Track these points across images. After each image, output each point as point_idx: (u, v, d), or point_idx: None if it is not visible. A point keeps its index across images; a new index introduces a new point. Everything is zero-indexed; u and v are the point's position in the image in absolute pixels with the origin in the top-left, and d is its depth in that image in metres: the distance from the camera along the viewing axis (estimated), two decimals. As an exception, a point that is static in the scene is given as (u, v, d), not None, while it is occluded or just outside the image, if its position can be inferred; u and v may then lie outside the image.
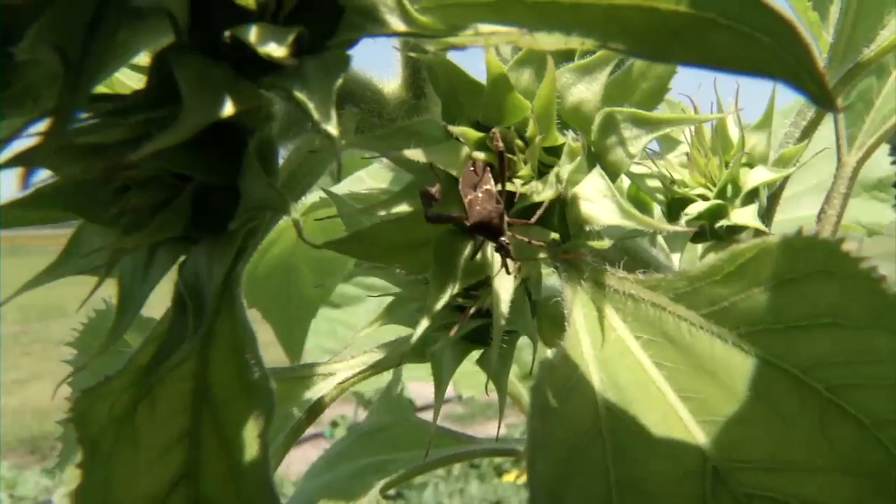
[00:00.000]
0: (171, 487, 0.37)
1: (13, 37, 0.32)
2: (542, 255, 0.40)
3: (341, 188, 0.78)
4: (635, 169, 0.59)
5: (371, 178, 0.86)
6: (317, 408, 0.54)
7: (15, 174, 0.35)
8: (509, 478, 3.94)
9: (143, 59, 0.37)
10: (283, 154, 0.45)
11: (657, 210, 0.61)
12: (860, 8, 0.54)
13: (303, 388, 0.55)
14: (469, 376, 1.12)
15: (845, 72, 0.55)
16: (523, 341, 0.62)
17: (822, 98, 0.27)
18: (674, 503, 0.35)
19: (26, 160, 0.33)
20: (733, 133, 0.58)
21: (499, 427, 0.56)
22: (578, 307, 0.39)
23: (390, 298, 0.57)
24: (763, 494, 0.34)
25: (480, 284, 0.50)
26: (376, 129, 0.45)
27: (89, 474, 0.35)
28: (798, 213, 0.85)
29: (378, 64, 0.49)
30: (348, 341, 0.69)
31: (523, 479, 3.81)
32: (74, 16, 0.33)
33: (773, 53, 0.28)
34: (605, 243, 0.40)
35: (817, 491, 0.33)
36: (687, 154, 0.59)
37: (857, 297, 0.32)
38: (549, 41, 0.31)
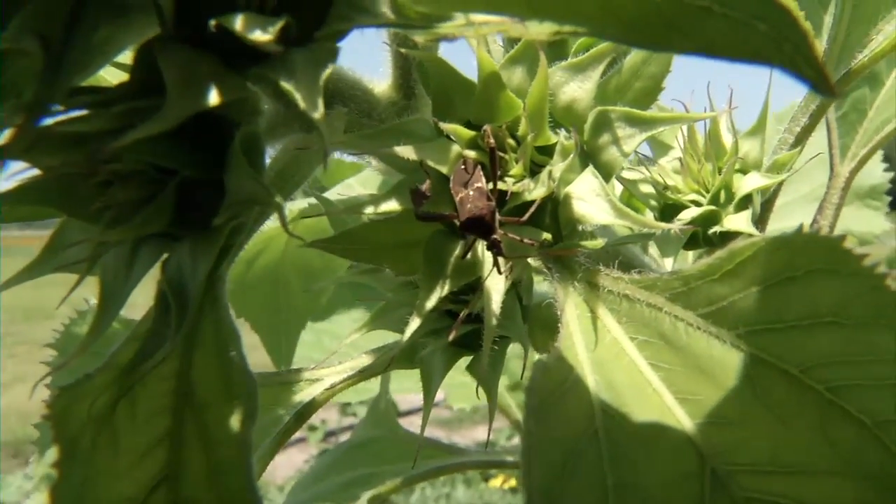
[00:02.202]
0: (150, 490, 0.35)
1: (-1, 27, 0.31)
2: (534, 255, 0.39)
3: (330, 196, 0.77)
4: (628, 174, 0.59)
5: (361, 185, 0.86)
6: (304, 413, 0.53)
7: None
8: (496, 483, 3.92)
9: (129, 58, 0.36)
10: (271, 154, 0.45)
11: (649, 216, 0.60)
12: (854, 13, 0.54)
13: (289, 394, 0.54)
14: (459, 388, 1.11)
15: (839, 77, 0.54)
16: (511, 351, 0.62)
17: (820, 84, 0.26)
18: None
19: (1, 152, 0.32)
20: (726, 139, 0.57)
21: (489, 435, 0.55)
22: (571, 308, 0.38)
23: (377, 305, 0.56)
24: (763, 498, 0.33)
25: (470, 289, 0.49)
26: (365, 130, 0.44)
27: (66, 475, 0.34)
28: (790, 222, 0.84)
29: (368, 66, 0.49)
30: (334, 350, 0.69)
31: (510, 483, 3.79)
32: (59, 7, 0.32)
33: (771, 40, 0.27)
34: (599, 243, 0.39)
35: (818, 494, 0.32)
36: (680, 160, 0.58)
37: (860, 295, 0.31)
38: (541, 31, 0.31)
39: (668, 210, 0.57)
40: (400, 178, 0.42)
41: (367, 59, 0.49)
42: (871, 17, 0.53)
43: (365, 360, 0.55)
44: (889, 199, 1.00)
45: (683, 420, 0.35)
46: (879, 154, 1.00)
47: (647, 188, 0.58)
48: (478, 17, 0.32)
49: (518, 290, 0.51)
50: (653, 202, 0.58)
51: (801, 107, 0.57)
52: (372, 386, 1.03)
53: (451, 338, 0.44)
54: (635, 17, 0.28)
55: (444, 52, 0.44)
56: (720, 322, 0.34)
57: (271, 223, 0.81)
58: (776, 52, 0.27)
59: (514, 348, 0.92)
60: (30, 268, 0.38)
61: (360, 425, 0.84)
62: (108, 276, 0.37)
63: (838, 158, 0.76)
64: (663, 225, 0.38)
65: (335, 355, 0.57)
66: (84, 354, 0.38)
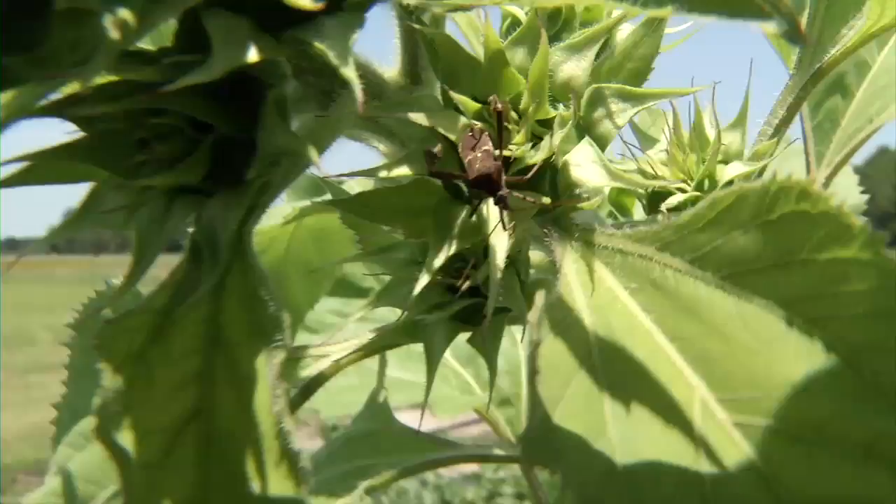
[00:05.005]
0: (185, 421, 0.38)
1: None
2: (536, 210, 0.43)
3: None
4: (617, 165, 0.62)
5: (360, 186, 0.89)
6: (311, 386, 0.56)
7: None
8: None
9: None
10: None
11: (637, 205, 0.64)
12: (827, 13, 0.58)
13: (295, 368, 0.57)
14: (444, 400, 1.14)
15: (814, 71, 0.58)
16: (502, 367, 0.64)
17: (791, 32, 0.30)
18: (665, 430, 0.37)
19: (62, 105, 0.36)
20: (709, 131, 0.61)
21: (487, 409, 0.57)
22: (569, 263, 0.42)
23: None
24: (747, 423, 0.36)
25: (472, 265, 0.52)
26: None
27: (110, 401, 0.37)
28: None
29: (377, 55, 0.52)
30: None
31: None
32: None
33: None
34: (595, 202, 0.42)
35: (807, 409, 0.35)
36: (666, 151, 0.62)
37: (828, 232, 0.35)
38: (549, -2, 0.34)
39: (655, 197, 0.61)
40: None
41: (376, 49, 0.53)
42: (843, 16, 0.57)
43: (370, 336, 0.58)
44: (865, 219, 1.05)
45: (674, 356, 0.38)
46: (856, 177, 1.05)
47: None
48: (492, -14, 0.36)
49: (516, 266, 0.54)
50: (640, 190, 0.62)
51: (779, 100, 0.61)
52: (359, 398, 1.05)
53: (459, 291, 0.47)
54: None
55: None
56: (705, 266, 0.38)
57: (273, 222, 0.84)
58: (747, 3, 0.31)
59: (501, 364, 0.95)
60: (69, 223, 0.41)
61: (357, 419, 0.86)
62: (143, 227, 0.40)
63: (814, 166, 0.80)
64: (652, 183, 0.42)
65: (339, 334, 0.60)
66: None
